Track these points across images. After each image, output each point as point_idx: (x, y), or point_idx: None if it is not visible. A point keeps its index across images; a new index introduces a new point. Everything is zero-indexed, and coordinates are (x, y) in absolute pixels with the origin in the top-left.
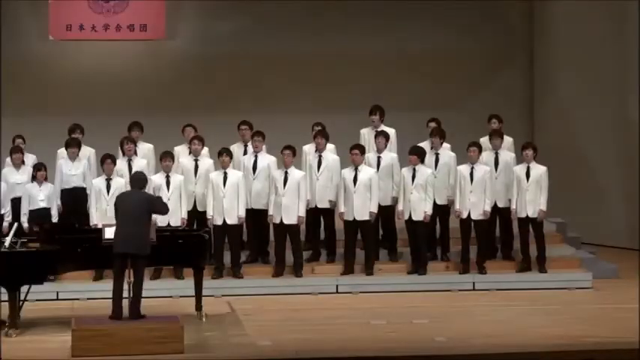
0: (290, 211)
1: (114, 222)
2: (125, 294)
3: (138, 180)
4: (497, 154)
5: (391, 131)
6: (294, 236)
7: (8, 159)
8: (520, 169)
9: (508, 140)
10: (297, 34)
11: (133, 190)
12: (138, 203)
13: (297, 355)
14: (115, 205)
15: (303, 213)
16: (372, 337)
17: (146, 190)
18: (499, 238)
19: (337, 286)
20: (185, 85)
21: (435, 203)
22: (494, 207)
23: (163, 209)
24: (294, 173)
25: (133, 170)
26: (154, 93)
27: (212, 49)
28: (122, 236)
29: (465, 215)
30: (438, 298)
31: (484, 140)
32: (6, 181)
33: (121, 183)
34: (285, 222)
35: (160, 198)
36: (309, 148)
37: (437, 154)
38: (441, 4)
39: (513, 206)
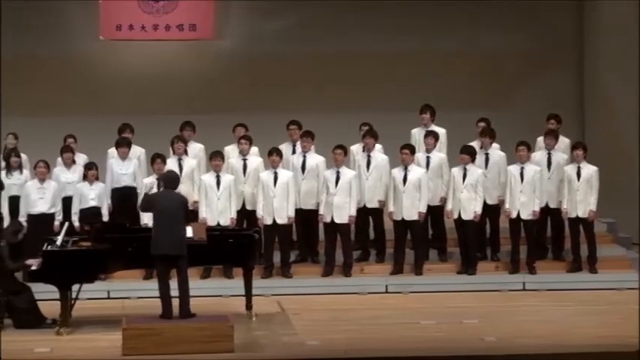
0: (341, 211)
1: None
2: (175, 293)
3: (171, 180)
4: (549, 154)
5: (441, 131)
6: (345, 236)
7: (59, 158)
8: (571, 169)
9: (564, 141)
10: (346, 33)
11: (167, 191)
12: (174, 204)
13: (345, 355)
14: (151, 204)
15: (354, 212)
16: (421, 337)
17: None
18: (550, 238)
19: (386, 286)
20: (234, 84)
21: (485, 203)
22: (546, 207)
23: (189, 218)
24: (346, 172)
25: (184, 170)
26: (203, 92)
27: (260, 48)
28: (161, 238)
29: (514, 215)
30: (487, 298)
31: (540, 140)
32: (57, 180)
33: None
34: (336, 221)
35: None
36: (356, 148)
37: (487, 154)
38: (489, 3)
39: (564, 206)
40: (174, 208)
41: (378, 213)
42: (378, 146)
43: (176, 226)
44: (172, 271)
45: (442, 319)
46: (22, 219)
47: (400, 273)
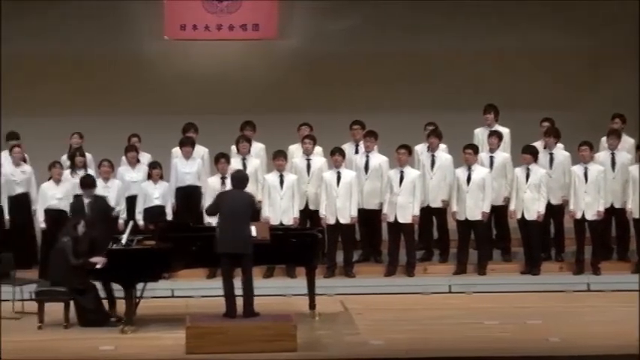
0: (404, 210)
1: None
2: (239, 292)
3: (240, 179)
4: (613, 154)
5: (505, 131)
6: (409, 235)
7: (124, 157)
8: (635, 169)
9: (629, 141)
10: (409, 33)
11: (235, 190)
12: (241, 203)
13: (409, 355)
14: (218, 203)
15: (417, 212)
16: (484, 338)
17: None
18: (615, 239)
19: (450, 285)
20: (297, 84)
21: (549, 203)
22: (611, 207)
23: (257, 216)
24: (410, 172)
25: (247, 169)
26: (266, 92)
27: (324, 48)
28: (227, 236)
29: (579, 216)
30: (551, 298)
31: (604, 140)
32: (122, 180)
33: None
34: (400, 221)
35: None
36: (420, 148)
37: (551, 154)
38: (554, 3)
39: (629, 206)
40: (242, 207)
41: (441, 213)
42: (442, 146)
43: (242, 225)
44: (236, 271)
45: (506, 319)
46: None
47: (463, 273)
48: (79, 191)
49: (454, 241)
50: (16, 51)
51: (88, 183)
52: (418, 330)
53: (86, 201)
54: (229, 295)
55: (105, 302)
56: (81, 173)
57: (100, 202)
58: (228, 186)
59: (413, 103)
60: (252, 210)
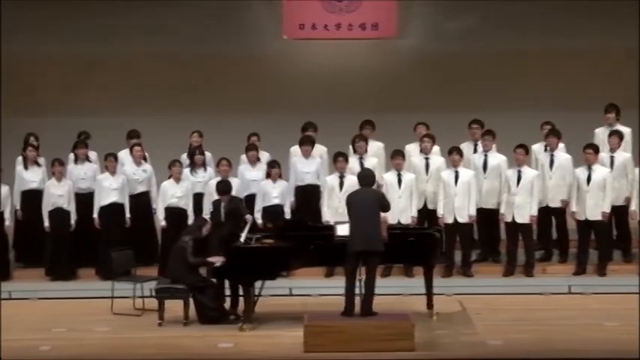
0: (522, 210)
1: (345, 219)
2: (356, 291)
3: (367, 177)
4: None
5: (626, 130)
6: (527, 235)
7: (243, 156)
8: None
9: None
10: (528, 31)
11: (363, 188)
12: (370, 200)
13: (527, 355)
14: (348, 203)
15: (535, 212)
16: (604, 339)
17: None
18: None
19: (569, 286)
20: (415, 83)
21: None
22: None
23: (388, 207)
24: (528, 172)
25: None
26: (384, 91)
27: (443, 47)
28: (358, 234)
29: None
30: None
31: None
32: (242, 178)
33: (353, 181)
34: (518, 221)
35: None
36: (538, 148)
37: None
38: None
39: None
40: (370, 204)
41: (560, 213)
42: (560, 145)
43: (371, 222)
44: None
45: (627, 320)
46: (207, 216)
47: (583, 273)
48: (198, 190)
49: (573, 241)
50: (136, 51)
51: (223, 190)
52: (537, 330)
53: (222, 204)
54: (350, 293)
55: (227, 300)
56: (200, 172)
57: (235, 203)
58: (346, 185)
59: (530, 102)
60: (382, 204)
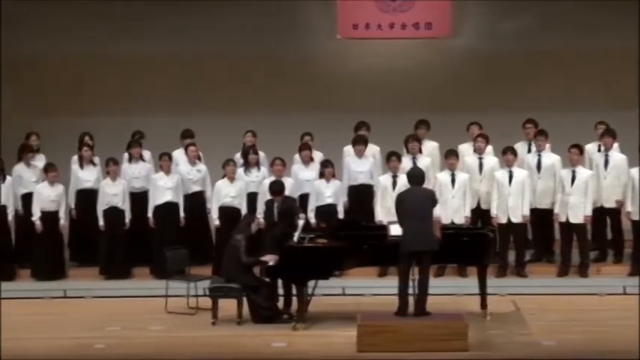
0: (576, 210)
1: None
2: (409, 291)
3: (417, 176)
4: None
5: None
6: (581, 236)
7: (296, 156)
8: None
9: None
10: (583, 31)
11: (414, 187)
12: (422, 199)
13: (581, 356)
14: (398, 202)
15: (589, 212)
16: None
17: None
18: None
19: (624, 287)
20: (469, 82)
21: None
22: None
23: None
24: (582, 172)
25: None
26: (438, 91)
27: (496, 46)
28: (411, 234)
29: None
30: None
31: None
32: (295, 178)
33: (406, 180)
34: (572, 221)
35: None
36: (591, 147)
37: None
38: None
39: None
40: (422, 203)
41: (615, 213)
42: (615, 145)
43: (425, 221)
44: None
45: None
46: (260, 216)
47: (638, 274)
48: (251, 189)
49: (629, 241)
50: (190, 51)
51: (276, 190)
52: (591, 331)
53: (275, 204)
54: (403, 293)
55: (280, 299)
56: (254, 171)
57: (288, 203)
58: (399, 185)
59: (585, 102)
60: (433, 206)
